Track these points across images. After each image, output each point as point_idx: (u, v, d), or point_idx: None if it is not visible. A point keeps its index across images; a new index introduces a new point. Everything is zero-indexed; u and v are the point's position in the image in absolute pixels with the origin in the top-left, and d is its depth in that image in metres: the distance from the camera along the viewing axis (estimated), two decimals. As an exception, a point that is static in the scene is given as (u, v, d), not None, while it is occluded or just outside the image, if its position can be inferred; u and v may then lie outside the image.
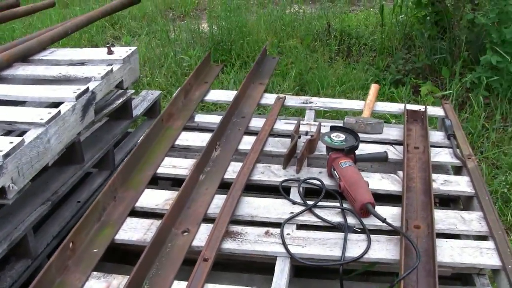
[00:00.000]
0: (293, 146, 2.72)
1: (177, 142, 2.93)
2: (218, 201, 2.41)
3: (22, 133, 2.43)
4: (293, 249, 2.13)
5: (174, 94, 3.41)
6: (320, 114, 4.26)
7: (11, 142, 2.23)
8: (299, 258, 2.11)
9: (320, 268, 2.33)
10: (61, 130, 2.56)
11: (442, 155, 2.89)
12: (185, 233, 2.21)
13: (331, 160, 2.56)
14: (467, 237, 2.44)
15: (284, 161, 2.66)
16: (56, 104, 2.72)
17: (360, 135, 2.85)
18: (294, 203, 2.42)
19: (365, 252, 2.12)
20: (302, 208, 2.38)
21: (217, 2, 7.75)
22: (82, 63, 3.20)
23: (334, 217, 2.33)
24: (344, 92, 5.17)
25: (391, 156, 2.81)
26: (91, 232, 2.21)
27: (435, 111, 3.38)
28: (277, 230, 2.23)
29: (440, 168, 2.96)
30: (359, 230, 2.26)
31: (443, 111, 3.34)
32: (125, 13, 7.70)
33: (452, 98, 4.78)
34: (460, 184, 2.64)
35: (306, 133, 2.98)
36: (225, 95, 3.47)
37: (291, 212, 2.35)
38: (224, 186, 2.53)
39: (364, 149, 2.82)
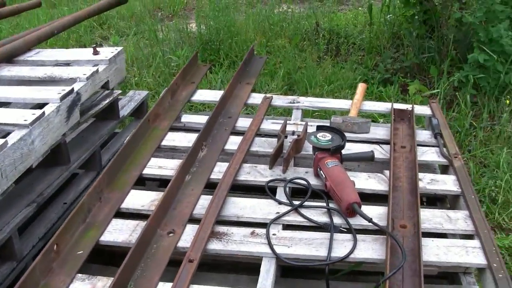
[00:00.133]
0: (279, 146, 2.71)
1: (164, 143, 2.92)
2: (204, 202, 2.40)
3: (6, 135, 2.41)
4: (278, 249, 2.13)
5: (161, 94, 3.39)
6: (308, 113, 4.26)
7: (-6, 144, 2.21)
8: (285, 258, 2.10)
9: (307, 268, 2.32)
10: (46, 132, 2.55)
11: (429, 154, 2.89)
12: (171, 234, 2.20)
13: (317, 160, 2.56)
14: (454, 236, 2.45)
15: (270, 161, 2.66)
16: (41, 105, 2.70)
17: (347, 134, 2.86)
18: (280, 203, 2.41)
19: (351, 252, 2.12)
20: (288, 208, 2.37)
21: (206, 1, 7.74)
22: (67, 63, 3.19)
23: (320, 217, 2.33)
24: (332, 92, 5.17)
25: (377, 155, 2.80)
26: (76, 234, 2.19)
27: (422, 110, 3.39)
28: (263, 230, 2.23)
29: (427, 167, 2.96)
30: (345, 230, 2.25)
31: (430, 110, 3.34)
32: (113, 13, 7.67)
33: (440, 97, 4.79)
34: (447, 183, 2.64)
35: (293, 133, 2.98)
36: (212, 95, 3.46)
37: (277, 212, 2.34)
38: (210, 187, 2.52)
39: (350, 148, 2.82)
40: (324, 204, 2.41)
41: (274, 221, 2.29)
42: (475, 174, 4.03)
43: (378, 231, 2.24)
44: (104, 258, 2.32)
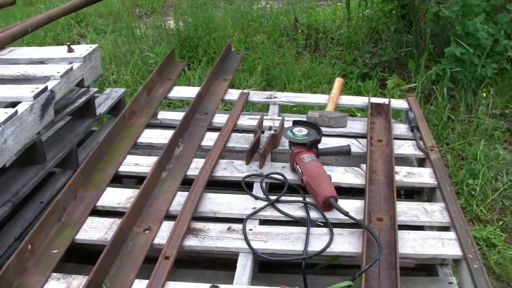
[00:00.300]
0: (256, 141, 2.70)
1: (140, 140, 2.90)
2: (180, 198, 2.38)
3: (-22, 134, 2.38)
4: (255, 245, 2.12)
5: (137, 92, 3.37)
6: (287, 109, 4.26)
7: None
8: (261, 254, 2.10)
9: (284, 263, 2.32)
10: (19, 130, 2.52)
11: (406, 148, 2.90)
12: (147, 231, 2.19)
13: (294, 155, 2.56)
14: (431, 228, 2.46)
15: (246, 156, 2.65)
16: (14, 104, 2.67)
17: (324, 129, 2.86)
18: (256, 198, 2.41)
19: (328, 245, 2.12)
20: (265, 203, 2.36)
21: (184, -2, 7.72)
22: (41, 61, 3.15)
23: (297, 212, 2.33)
24: (310, 87, 5.17)
25: (354, 149, 2.81)
26: (51, 233, 2.17)
27: (399, 103, 3.40)
28: (240, 226, 2.22)
29: (404, 160, 2.97)
30: (321, 224, 2.25)
31: (407, 104, 3.35)
32: (91, 10, 7.63)
33: (417, 90, 4.81)
34: (423, 176, 2.65)
35: (270, 128, 2.97)
36: (189, 92, 3.45)
37: (254, 208, 2.34)
38: (187, 183, 2.50)
39: (327, 143, 2.82)
40: (301, 199, 2.40)
41: (251, 216, 2.28)
42: (453, 166, 4.06)
43: (354, 224, 2.25)
44: (81, 256, 2.30)
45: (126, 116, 2.99)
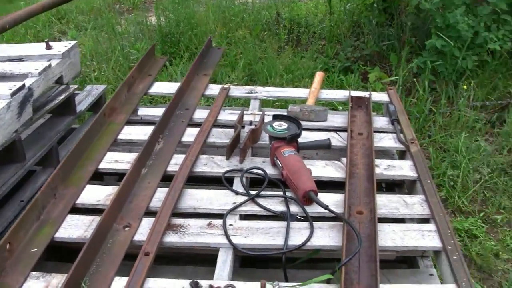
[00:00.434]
0: (236, 136, 2.70)
1: (120, 137, 2.89)
2: (161, 195, 2.38)
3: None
4: (235, 240, 2.12)
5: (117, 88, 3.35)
6: (269, 103, 4.25)
7: None
8: (242, 249, 2.10)
9: (266, 258, 2.32)
10: (-4, 128, 2.50)
11: (386, 140, 2.91)
12: (127, 228, 2.18)
13: (274, 149, 2.55)
14: (411, 220, 2.47)
15: (226, 151, 2.64)
16: (-9, 102, 2.65)
17: (305, 123, 2.87)
18: (237, 193, 2.41)
19: (308, 239, 2.12)
20: (245, 198, 2.36)
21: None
22: (19, 59, 3.13)
23: (277, 206, 2.33)
24: (292, 81, 5.16)
25: (335, 143, 2.81)
26: (30, 232, 2.15)
27: (380, 97, 3.41)
28: (220, 221, 2.22)
29: (385, 153, 2.98)
30: (302, 218, 2.26)
31: (388, 97, 3.36)
32: (72, 7, 7.56)
33: (399, 83, 4.81)
34: (403, 169, 2.66)
35: (250, 123, 2.97)
36: (169, 88, 3.44)
37: (234, 203, 2.34)
38: (167, 179, 2.50)
39: (308, 137, 2.82)
40: (281, 193, 2.40)
41: (231, 211, 2.29)
42: (435, 159, 4.07)
43: (335, 218, 2.25)
44: (62, 255, 2.29)
45: (106, 113, 2.98)
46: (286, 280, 2.08)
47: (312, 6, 7.39)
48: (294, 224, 2.21)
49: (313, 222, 2.21)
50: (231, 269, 2.05)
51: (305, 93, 3.38)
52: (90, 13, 7.66)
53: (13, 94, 2.64)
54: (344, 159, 2.66)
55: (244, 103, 4.49)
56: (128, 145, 2.91)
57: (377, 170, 2.60)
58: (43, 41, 3.27)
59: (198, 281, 1.90)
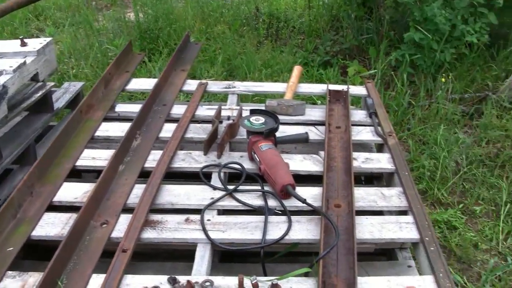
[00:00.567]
0: (214, 131, 2.69)
1: (97, 134, 2.87)
2: (138, 191, 2.36)
3: None
4: (213, 235, 2.12)
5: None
6: (248, 98, 4.24)
7: None
8: (220, 243, 2.09)
9: (246, 252, 2.31)
10: (-30, 126, 2.47)
11: (364, 134, 2.91)
12: (104, 225, 2.17)
13: (251, 144, 2.55)
14: (389, 213, 2.47)
15: (204, 147, 2.64)
16: (-35, 100, 2.62)
17: (283, 117, 2.86)
18: (215, 188, 2.40)
19: (286, 233, 2.12)
20: (223, 193, 2.36)
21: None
22: (-6, 56, 3.09)
23: (255, 201, 2.33)
24: (271, 76, 5.15)
25: (313, 136, 2.81)
26: (6, 231, 2.14)
27: (358, 90, 3.42)
28: (198, 217, 2.21)
29: (364, 146, 2.99)
30: (279, 212, 2.25)
31: (366, 90, 3.37)
32: (50, 3, 7.48)
33: (378, 77, 4.83)
34: (381, 161, 2.67)
35: (228, 118, 2.96)
36: (147, 83, 3.42)
37: (212, 198, 2.33)
38: (145, 175, 2.49)
39: (286, 131, 2.82)
40: (259, 188, 2.40)
41: (209, 207, 2.28)
42: (414, 151, 4.09)
43: (313, 211, 2.25)
44: (39, 253, 2.27)
45: (82, 110, 2.96)
46: (265, 274, 2.08)
47: (291, 1, 7.37)
48: (272, 218, 2.21)
49: (291, 216, 2.21)
50: (209, 264, 2.04)
51: (283, 88, 3.38)
52: (68, 10, 7.58)
53: (-13, 92, 2.62)
54: (322, 153, 2.67)
55: (223, 98, 4.47)
56: (106, 142, 2.90)
57: (355, 163, 2.60)
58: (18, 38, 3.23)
59: (176, 277, 1.90)
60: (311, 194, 2.37)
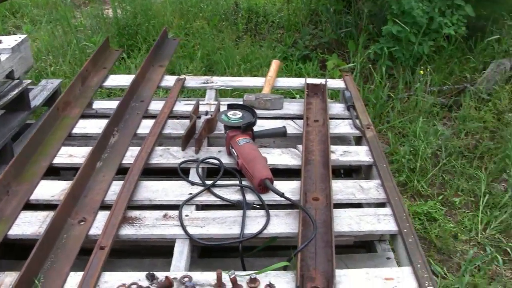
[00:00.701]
0: (191, 127, 2.68)
1: (75, 131, 2.85)
2: (116, 188, 2.35)
3: None
4: (191, 230, 2.11)
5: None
6: (227, 93, 4.24)
7: None
8: (198, 239, 2.08)
9: (225, 247, 2.31)
10: None
11: (342, 127, 2.92)
12: (82, 223, 2.15)
13: (229, 138, 2.54)
14: (368, 205, 2.48)
15: (182, 142, 2.62)
16: None
17: (261, 111, 2.86)
18: (193, 184, 2.39)
19: (264, 227, 2.12)
20: (201, 188, 2.35)
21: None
22: (-32, 54, 3.06)
23: (234, 195, 2.32)
24: (251, 70, 5.15)
25: (291, 130, 2.81)
26: (-18, 230, 2.11)
27: (336, 83, 3.42)
28: (176, 213, 2.20)
29: (342, 139, 2.99)
30: (258, 206, 2.25)
31: (344, 83, 3.37)
32: (27, 0, 7.42)
33: (357, 70, 4.84)
34: (359, 154, 2.67)
35: (206, 113, 2.95)
36: (125, 80, 3.40)
37: (190, 193, 2.32)
38: (123, 172, 2.47)
39: (264, 125, 2.82)
40: (237, 182, 2.39)
41: (187, 202, 2.27)
42: (394, 144, 4.10)
43: (291, 205, 2.25)
44: (16, 252, 2.25)
45: (59, 107, 2.93)
46: (244, 269, 2.07)
47: (270, -5, 7.37)
48: (250, 213, 2.21)
49: (269, 210, 2.21)
50: (187, 260, 2.03)
51: (261, 82, 3.38)
52: (46, 7, 7.51)
53: (-39, 90, 2.59)
54: (300, 146, 2.67)
55: (203, 94, 4.46)
56: (84, 139, 2.87)
57: (333, 156, 2.61)
58: (-2, 37, 3.20)
59: (155, 273, 1.89)
60: (289, 188, 2.36)
